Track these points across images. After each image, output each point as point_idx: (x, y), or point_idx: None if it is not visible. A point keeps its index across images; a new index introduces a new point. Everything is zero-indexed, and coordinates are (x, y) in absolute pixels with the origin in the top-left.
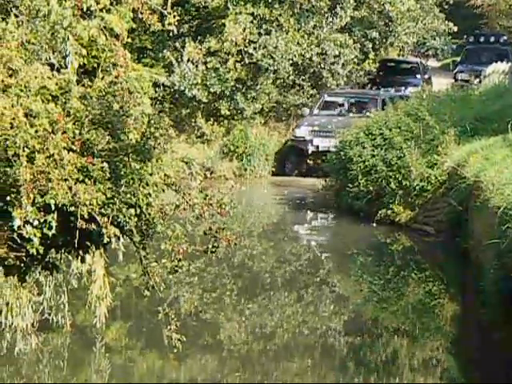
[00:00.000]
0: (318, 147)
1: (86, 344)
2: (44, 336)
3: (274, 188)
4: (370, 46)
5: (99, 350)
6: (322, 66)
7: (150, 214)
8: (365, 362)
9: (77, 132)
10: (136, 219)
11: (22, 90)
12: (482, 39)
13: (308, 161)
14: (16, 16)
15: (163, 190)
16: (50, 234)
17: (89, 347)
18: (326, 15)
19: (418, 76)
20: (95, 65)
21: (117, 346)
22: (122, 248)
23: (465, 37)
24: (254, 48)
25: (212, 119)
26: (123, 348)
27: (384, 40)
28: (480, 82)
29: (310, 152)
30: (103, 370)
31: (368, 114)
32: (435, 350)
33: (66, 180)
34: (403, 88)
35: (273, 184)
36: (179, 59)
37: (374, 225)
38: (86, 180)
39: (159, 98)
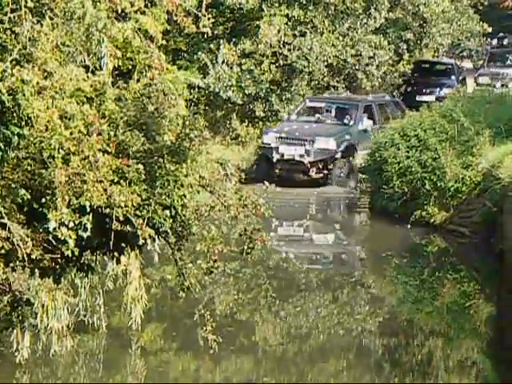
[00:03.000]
0: (283, 155)
1: (121, 346)
2: (79, 338)
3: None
4: (405, 47)
5: (135, 352)
6: (357, 67)
7: (185, 216)
8: (400, 362)
9: (112, 134)
10: (171, 220)
11: (56, 92)
12: (505, 42)
13: (276, 170)
14: (51, 18)
15: (198, 192)
16: (84, 235)
17: (124, 349)
18: (361, 17)
19: (453, 77)
20: (130, 67)
21: (152, 347)
22: (157, 249)
23: (488, 39)
24: (289, 50)
25: (247, 121)
26: (159, 349)
27: (419, 41)
28: (503, 85)
29: (275, 160)
30: (139, 372)
31: (346, 121)
32: (470, 350)
33: (101, 182)
34: (438, 89)
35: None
36: (214, 61)
37: (409, 226)
38: (121, 182)
39: (194, 99)
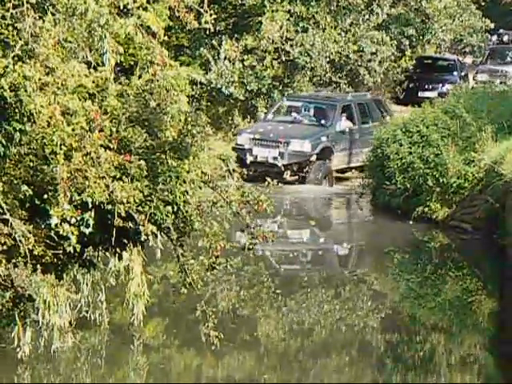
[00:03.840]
0: (256, 157)
1: (123, 342)
2: (81, 334)
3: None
4: (407, 43)
5: (137, 348)
6: (359, 63)
7: (187, 212)
8: (402, 358)
9: (114, 130)
10: (173, 217)
11: (59, 88)
12: (505, 38)
13: (249, 171)
14: (53, 14)
15: (200, 188)
16: (87, 231)
17: (126, 345)
18: (363, 13)
19: (455, 73)
20: (132, 63)
21: (154, 343)
22: (159, 246)
23: (489, 36)
24: (291, 45)
25: (249, 117)
26: (161, 345)
27: (421, 37)
28: (501, 83)
29: (248, 162)
30: (141, 368)
31: (323, 121)
32: (473, 346)
33: (103, 178)
34: (440, 85)
35: None
36: (216, 57)
37: (411, 222)
38: (123, 178)
39: (196, 95)
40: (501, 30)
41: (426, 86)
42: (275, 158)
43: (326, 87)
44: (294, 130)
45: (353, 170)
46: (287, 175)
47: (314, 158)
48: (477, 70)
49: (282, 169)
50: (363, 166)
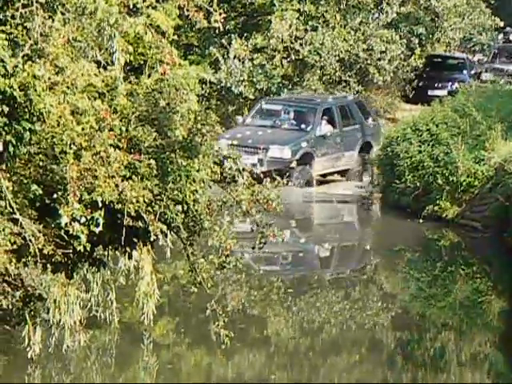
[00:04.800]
0: None
1: (133, 340)
2: (92, 333)
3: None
4: (417, 41)
5: (147, 347)
6: (369, 61)
7: (197, 211)
8: (412, 357)
9: (123, 129)
10: (183, 216)
11: (68, 88)
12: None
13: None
14: (62, 14)
15: (210, 187)
16: (96, 231)
17: (136, 344)
18: (372, 11)
19: (465, 72)
20: (142, 62)
21: (164, 342)
22: (169, 244)
23: (495, 34)
24: (301, 44)
25: None
26: (171, 344)
27: (430, 36)
28: (507, 82)
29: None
30: (151, 367)
31: (303, 126)
32: (483, 345)
33: (112, 177)
34: (450, 84)
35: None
36: (226, 56)
37: (421, 221)
38: (133, 177)
39: (206, 94)
40: (507, 29)
41: (436, 85)
42: (254, 165)
43: (335, 86)
44: (274, 136)
45: (335, 175)
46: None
47: (294, 164)
48: (481, 69)
49: (261, 176)
50: (345, 171)
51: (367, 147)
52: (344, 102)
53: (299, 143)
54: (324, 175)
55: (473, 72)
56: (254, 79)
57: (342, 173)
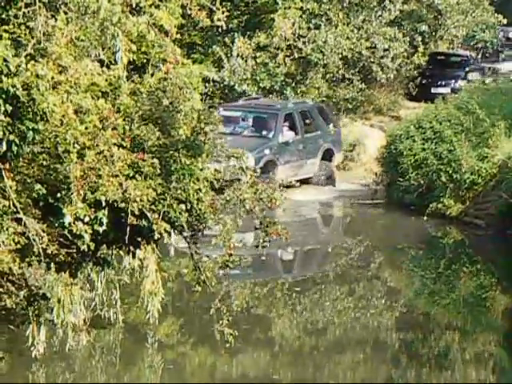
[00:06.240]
0: None
1: (138, 340)
2: (96, 332)
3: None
4: (420, 39)
5: (152, 346)
6: (372, 59)
7: (200, 210)
8: (417, 355)
9: (127, 128)
10: (187, 214)
11: (71, 87)
12: (511, 35)
13: None
14: (65, 13)
15: (213, 186)
16: (100, 230)
17: (141, 343)
18: (375, 9)
19: (468, 69)
20: (145, 61)
21: (169, 341)
22: (173, 243)
23: (498, 31)
24: (304, 42)
25: None
26: (176, 343)
27: (433, 33)
28: (494, 81)
29: None
30: (156, 366)
31: (264, 133)
32: (487, 343)
33: (116, 176)
34: (453, 81)
35: None
36: (229, 54)
37: (425, 218)
38: (137, 176)
39: (209, 93)
40: (502, 27)
41: (439, 82)
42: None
43: (338, 84)
44: (235, 143)
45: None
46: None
47: (257, 172)
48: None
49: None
50: (309, 179)
51: (329, 154)
52: (305, 107)
53: (262, 150)
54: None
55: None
56: (257, 77)
57: (306, 181)
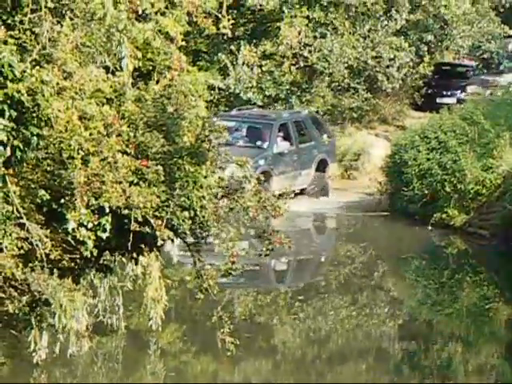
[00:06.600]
0: None
1: (140, 347)
2: (98, 338)
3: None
4: (426, 49)
5: (154, 353)
6: (377, 69)
7: (204, 217)
8: (419, 366)
9: (131, 135)
10: (190, 222)
11: (76, 93)
12: (510, 47)
13: None
14: (71, 19)
15: (217, 194)
16: (103, 236)
17: (143, 350)
18: (381, 18)
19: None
20: (150, 68)
21: (171, 348)
22: (176, 251)
23: (504, 42)
24: (309, 51)
25: None
26: (178, 351)
27: (439, 43)
28: (491, 94)
29: None
30: (158, 372)
31: (259, 143)
32: (490, 354)
33: (120, 183)
34: (459, 91)
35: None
36: (234, 62)
37: (430, 228)
38: (141, 183)
39: (214, 100)
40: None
41: (445, 92)
42: None
43: (344, 93)
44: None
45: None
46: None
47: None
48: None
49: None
50: (302, 190)
51: (323, 165)
52: (299, 117)
53: (257, 161)
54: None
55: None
56: (263, 86)
57: (300, 192)
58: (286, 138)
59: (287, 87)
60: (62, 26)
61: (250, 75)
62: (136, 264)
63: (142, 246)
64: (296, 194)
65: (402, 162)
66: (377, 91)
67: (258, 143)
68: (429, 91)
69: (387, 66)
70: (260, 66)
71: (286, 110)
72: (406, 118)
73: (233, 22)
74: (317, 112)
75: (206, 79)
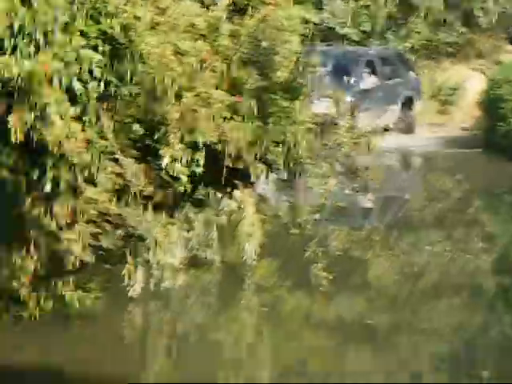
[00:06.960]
0: None
1: (235, 281)
2: (193, 272)
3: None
4: None
5: (248, 287)
6: (474, 2)
7: (297, 153)
8: None
9: (225, 70)
10: (284, 157)
11: (170, 28)
12: None
13: None
14: None
15: (311, 128)
16: (198, 171)
17: (238, 284)
18: None
19: None
20: (246, 2)
21: (265, 283)
22: (270, 187)
23: None
24: None
25: None
26: (271, 285)
27: None
28: None
29: None
30: (252, 307)
31: (346, 79)
32: None
33: (213, 118)
34: None
35: None
36: None
37: None
38: (235, 118)
39: (309, 35)
40: None
41: None
42: None
43: (440, 28)
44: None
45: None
46: None
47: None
48: None
49: None
50: (387, 126)
51: (409, 102)
52: (386, 53)
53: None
54: None
55: None
56: (359, 20)
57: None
58: (373, 74)
59: (382, 22)
60: None
61: (346, 9)
62: (230, 199)
63: (236, 181)
64: (384, 130)
65: (497, 97)
66: (473, 25)
67: (345, 79)
68: None
69: (483, 0)
70: (356, 0)
71: (373, 47)
72: (502, 53)
73: None
74: (412, 47)
75: (301, 13)
